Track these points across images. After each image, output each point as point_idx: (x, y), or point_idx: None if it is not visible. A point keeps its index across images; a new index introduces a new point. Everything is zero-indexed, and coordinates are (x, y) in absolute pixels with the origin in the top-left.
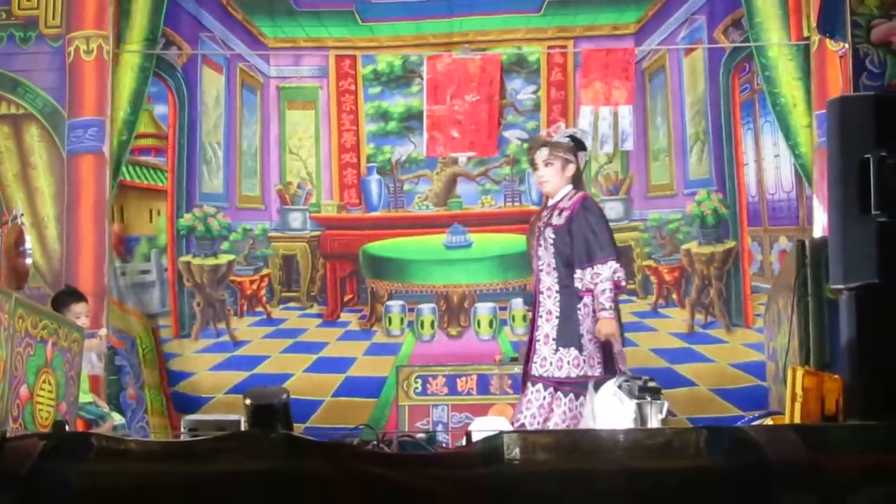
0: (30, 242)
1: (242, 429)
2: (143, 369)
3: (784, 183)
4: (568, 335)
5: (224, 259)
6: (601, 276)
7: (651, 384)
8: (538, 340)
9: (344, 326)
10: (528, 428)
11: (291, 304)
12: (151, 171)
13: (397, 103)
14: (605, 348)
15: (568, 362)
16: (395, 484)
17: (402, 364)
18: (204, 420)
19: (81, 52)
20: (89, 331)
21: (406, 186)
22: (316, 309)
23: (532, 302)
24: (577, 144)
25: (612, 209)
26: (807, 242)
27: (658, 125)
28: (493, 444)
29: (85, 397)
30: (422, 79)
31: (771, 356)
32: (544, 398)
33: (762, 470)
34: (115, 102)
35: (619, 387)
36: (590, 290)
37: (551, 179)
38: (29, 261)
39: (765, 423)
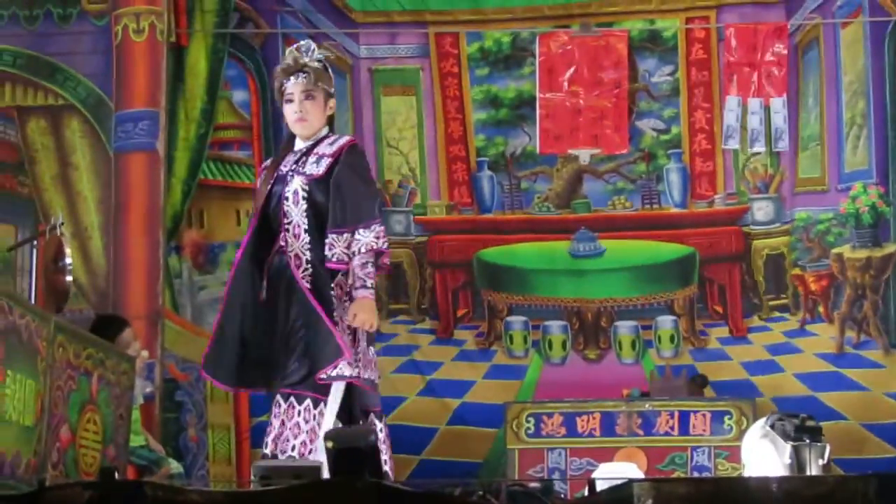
0: (70, 256)
1: (324, 476)
2: (208, 406)
3: None
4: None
5: None
6: (361, 242)
7: (810, 423)
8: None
9: (459, 345)
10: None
11: (401, 318)
12: (236, 167)
13: (508, 87)
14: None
15: (360, 360)
16: None
17: (527, 393)
18: (278, 466)
19: (130, 32)
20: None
21: (523, 184)
22: (428, 324)
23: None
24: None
25: (762, 210)
26: None
27: (810, 108)
28: (620, 494)
29: (136, 440)
30: (534, 59)
31: None
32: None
33: None
34: (189, 90)
35: (772, 426)
36: (343, 263)
37: (313, 118)
38: (69, 278)
39: None
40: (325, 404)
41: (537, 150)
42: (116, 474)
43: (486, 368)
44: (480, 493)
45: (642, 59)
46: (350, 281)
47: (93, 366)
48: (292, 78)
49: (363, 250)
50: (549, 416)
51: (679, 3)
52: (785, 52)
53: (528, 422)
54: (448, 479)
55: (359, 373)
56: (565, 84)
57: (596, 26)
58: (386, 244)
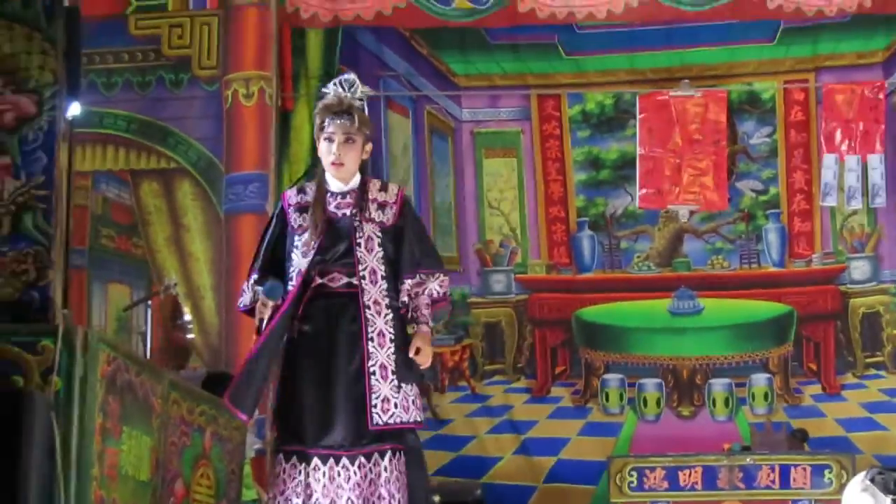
0: (189, 314)
1: None
2: None
3: None
4: (408, 365)
5: None
6: (429, 287)
7: None
8: (373, 374)
9: (555, 402)
10: None
11: (496, 378)
12: None
13: (610, 148)
14: None
15: (413, 402)
16: None
17: (622, 449)
18: None
19: (240, 97)
20: None
21: (623, 244)
22: (524, 382)
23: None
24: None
25: (858, 269)
26: None
27: None
28: None
29: (248, 493)
30: (635, 120)
31: None
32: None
33: None
34: (293, 152)
35: (872, 480)
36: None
37: (350, 163)
38: (190, 336)
39: None
40: (403, 453)
41: (637, 205)
42: None
43: (582, 425)
44: None
45: (741, 121)
46: (410, 315)
47: (206, 422)
48: (336, 118)
49: (434, 293)
50: (652, 469)
51: (778, 66)
52: (883, 109)
53: (630, 475)
54: None
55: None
56: (667, 143)
57: (696, 87)
58: (448, 292)
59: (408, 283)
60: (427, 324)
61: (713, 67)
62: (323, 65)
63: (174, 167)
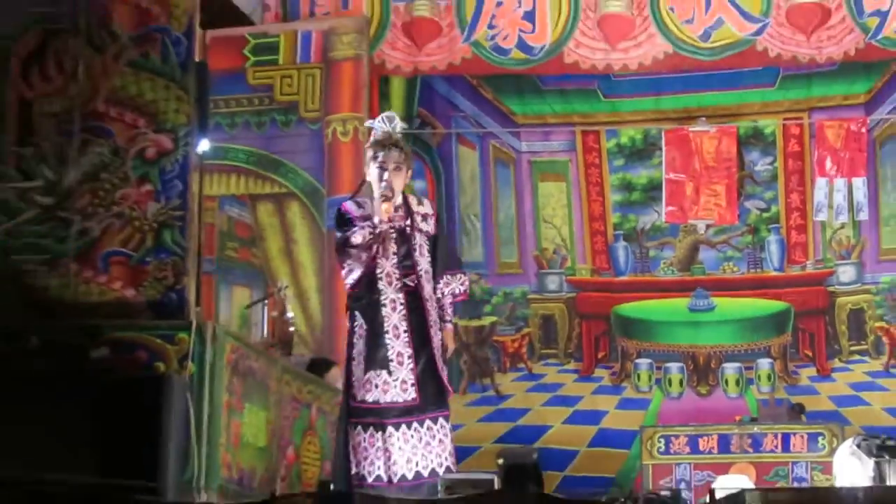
0: (291, 311)
1: (496, 487)
2: None
3: None
4: (443, 349)
5: (487, 321)
6: (453, 285)
7: (889, 443)
8: (435, 354)
9: (597, 381)
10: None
11: (550, 361)
12: None
13: (640, 175)
14: None
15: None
16: None
17: (651, 421)
18: (460, 479)
19: (338, 134)
20: None
21: (651, 252)
22: (572, 365)
23: (413, 310)
24: None
25: (845, 273)
26: None
27: (889, 191)
28: (736, 501)
29: None
30: (661, 151)
31: None
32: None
33: None
34: None
35: (858, 445)
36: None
37: (397, 187)
38: (292, 329)
39: None
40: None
41: (664, 221)
42: (331, 486)
43: (618, 400)
44: (622, 500)
45: (748, 152)
46: (438, 313)
47: (312, 399)
48: (388, 151)
49: (455, 292)
50: (676, 437)
51: (778, 107)
52: (865, 141)
53: (659, 442)
54: (594, 489)
55: None
56: (687, 169)
57: (711, 124)
58: (468, 289)
59: (439, 283)
60: (451, 321)
61: (725, 108)
62: (405, 107)
63: (285, 191)
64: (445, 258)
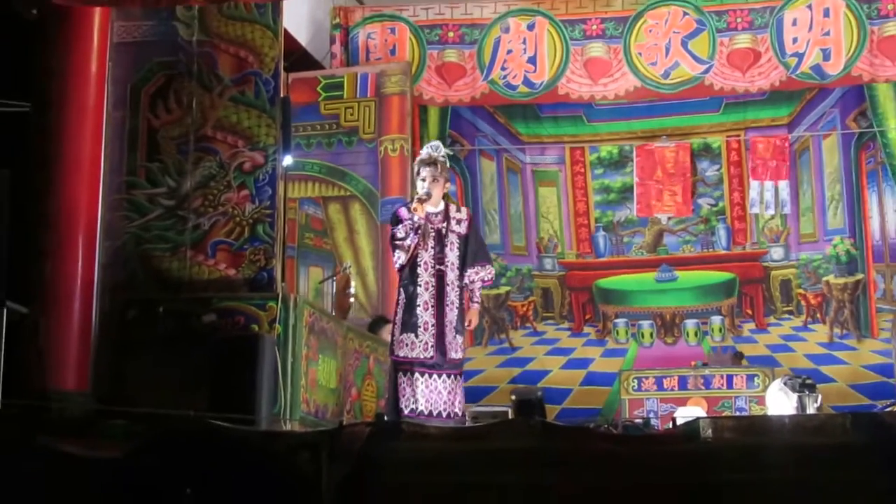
0: (353, 286)
1: (509, 417)
2: None
3: None
4: (461, 323)
5: (504, 290)
6: (481, 275)
7: (808, 381)
8: (446, 326)
9: (586, 336)
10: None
11: (549, 321)
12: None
13: (616, 180)
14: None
15: (461, 346)
16: (620, 456)
17: (629, 365)
18: (482, 410)
19: (388, 151)
20: None
21: (625, 239)
22: (566, 324)
23: (439, 291)
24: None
25: (776, 252)
26: None
27: (804, 190)
28: (691, 426)
29: None
30: (633, 162)
31: None
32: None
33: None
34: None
35: (784, 384)
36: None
37: (435, 196)
38: (352, 300)
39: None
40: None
41: (635, 215)
42: (385, 417)
43: (602, 350)
44: (605, 425)
45: (700, 161)
46: (469, 295)
47: (370, 351)
48: (427, 167)
49: (483, 279)
50: (646, 378)
51: (721, 127)
52: (787, 152)
53: (633, 382)
54: (584, 418)
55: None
56: (653, 175)
57: (670, 141)
58: (492, 277)
59: (469, 271)
60: (478, 302)
61: (681, 128)
62: (439, 130)
63: (349, 194)
64: (476, 252)
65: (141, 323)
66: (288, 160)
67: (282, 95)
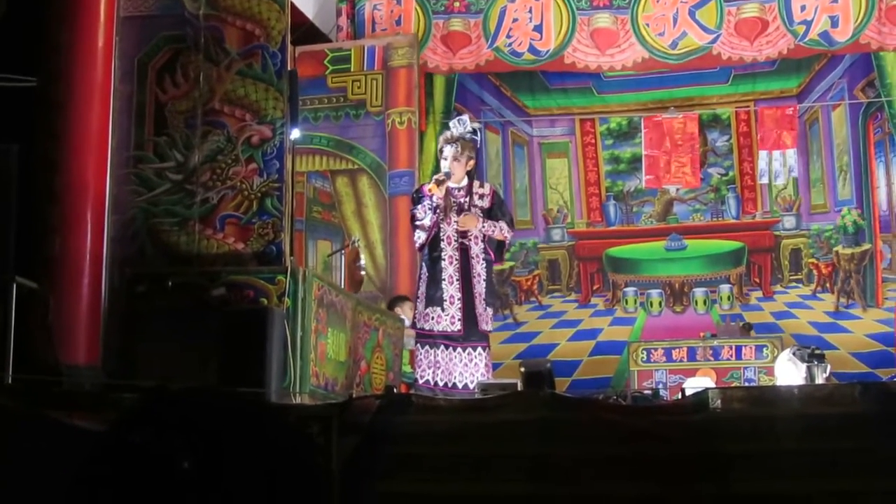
0: (363, 259)
1: (519, 389)
2: None
3: None
4: (490, 295)
5: (507, 265)
6: (499, 223)
7: (818, 351)
8: (476, 298)
9: (593, 307)
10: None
11: (555, 294)
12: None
13: (625, 151)
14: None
15: (491, 318)
16: (629, 426)
17: (637, 334)
18: (491, 383)
19: (396, 123)
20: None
21: (635, 209)
22: (573, 296)
23: (464, 264)
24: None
25: (788, 221)
26: None
27: (815, 161)
28: (700, 397)
29: (406, 368)
30: (641, 133)
31: None
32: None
33: None
34: (424, 158)
35: (793, 354)
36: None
37: (457, 173)
38: (363, 272)
39: None
40: (485, 349)
41: (644, 187)
42: (395, 389)
43: (610, 320)
44: (614, 397)
45: (710, 132)
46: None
47: (379, 324)
48: (449, 145)
49: (503, 228)
50: (655, 349)
51: (730, 98)
52: (795, 123)
53: (642, 353)
54: (595, 389)
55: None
56: (661, 146)
57: (679, 112)
58: (509, 238)
59: (491, 222)
60: (481, 217)
61: (689, 99)
62: (444, 103)
63: (357, 167)
64: (498, 216)
65: (150, 297)
66: (295, 133)
67: (289, 69)
